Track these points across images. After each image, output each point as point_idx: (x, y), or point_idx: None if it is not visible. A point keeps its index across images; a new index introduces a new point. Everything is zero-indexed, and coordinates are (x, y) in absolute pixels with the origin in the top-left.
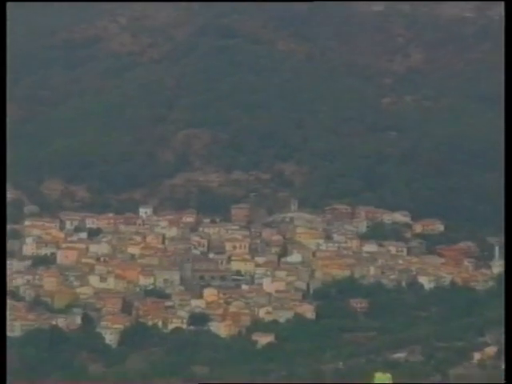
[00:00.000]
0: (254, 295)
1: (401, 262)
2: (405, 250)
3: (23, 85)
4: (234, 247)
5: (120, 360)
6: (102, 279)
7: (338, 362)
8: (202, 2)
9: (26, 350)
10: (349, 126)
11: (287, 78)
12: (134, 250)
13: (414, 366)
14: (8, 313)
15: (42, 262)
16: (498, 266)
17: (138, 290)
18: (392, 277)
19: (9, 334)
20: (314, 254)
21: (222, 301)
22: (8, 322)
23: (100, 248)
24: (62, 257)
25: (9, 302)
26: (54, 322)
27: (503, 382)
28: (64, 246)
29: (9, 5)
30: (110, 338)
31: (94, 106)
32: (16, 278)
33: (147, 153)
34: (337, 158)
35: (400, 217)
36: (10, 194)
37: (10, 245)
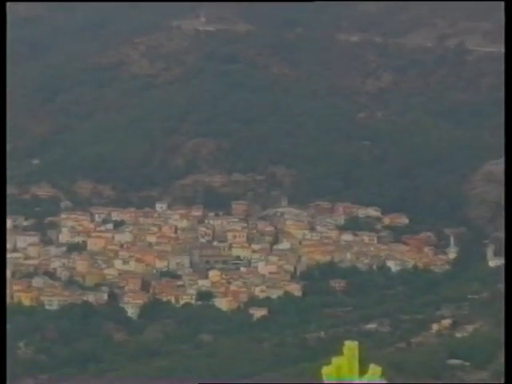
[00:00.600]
0: (251, 276)
1: (372, 249)
2: (375, 239)
3: (59, 101)
4: (234, 236)
5: (140, 330)
6: (125, 262)
7: (320, 331)
8: (208, 28)
9: (61, 321)
10: (330, 136)
11: (279, 96)
12: (151, 238)
13: (383, 335)
14: (47, 290)
15: (75, 248)
16: (452, 253)
17: (154, 271)
18: (365, 261)
19: (47, 307)
20: (300, 243)
21: (223, 281)
22: (46, 298)
23: (123, 237)
24: (91, 244)
25: (47, 281)
26: (85, 298)
27: (503, 381)
28: (93, 235)
29: (49, 32)
30: (132, 312)
31: (118, 119)
32: (54, 261)
33: (162, 158)
34: (320, 163)
35: (372, 211)
36: (48, 192)
37: (49, 234)
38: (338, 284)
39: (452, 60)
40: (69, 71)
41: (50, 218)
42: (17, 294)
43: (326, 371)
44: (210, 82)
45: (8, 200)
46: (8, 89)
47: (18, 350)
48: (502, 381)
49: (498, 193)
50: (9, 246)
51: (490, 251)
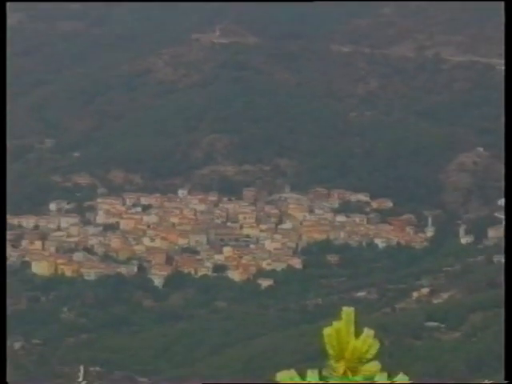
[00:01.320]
0: (259, 252)
1: (362, 228)
2: (365, 220)
3: (96, 103)
4: (245, 218)
5: (164, 297)
6: (152, 240)
7: (318, 299)
8: (222, 41)
9: (98, 290)
10: (326, 132)
11: (282, 99)
12: (174, 219)
13: (371, 301)
14: (86, 263)
15: (110, 228)
16: (430, 232)
17: (176, 248)
18: (356, 239)
19: (86, 278)
20: (301, 223)
21: (235, 256)
22: (85, 270)
23: (150, 218)
24: (123, 224)
25: (86, 255)
26: (118, 270)
27: (503, 381)
28: (125, 216)
29: (88, 45)
30: (157, 282)
31: (146, 118)
32: (91, 239)
33: (183, 152)
34: (318, 155)
35: (362, 197)
36: (86, 180)
37: (87, 216)
38: (332, 258)
39: (430, 68)
40: (104, 78)
41: (88, 203)
42: (60, 266)
43: (327, 332)
44: (224, 86)
45: (53, 187)
46: (54, 93)
47: (62, 314)
48: (473, 339)
49: (469, 180)
50: (53, 226)
51: (461, 230)
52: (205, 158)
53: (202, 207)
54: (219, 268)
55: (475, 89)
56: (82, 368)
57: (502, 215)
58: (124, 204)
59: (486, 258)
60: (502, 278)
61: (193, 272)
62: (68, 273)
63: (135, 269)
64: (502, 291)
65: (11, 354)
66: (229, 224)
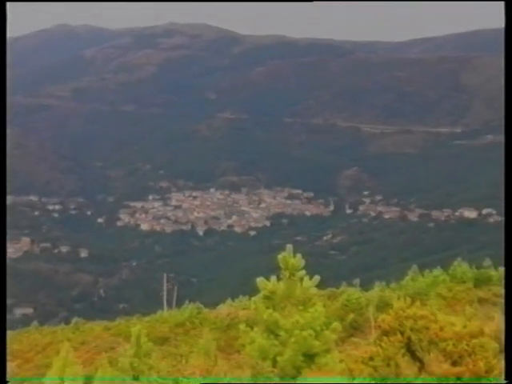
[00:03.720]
0: (249, 218)
1: (299, 207)
2: (300, 202)
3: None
4: (242, 202)
5: (203, 240)
6: (198, 213)
7: (281, 240)
8: None
9: (172, 237)
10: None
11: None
12: (208, 203)
13: (307, 241)
14: (166, 224)
15: (177, 207)
16: (331, 208)
17: (209, 217)
18: (296, 212)
19: (166, 231)
20: (270, 204)
21: (238, 220)
22: (166, 228)
23: (196, 202)
24: (184, 205)
25: (166, 220)
26: (181, 228)
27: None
28: (184, 202)
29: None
30: (201, 232)
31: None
32: (168, 213)
33: (213, 168)
34: (279, 170)
35: (299, 192)
36: (165, 184)
37: (166, 202)
38: (285, 221)
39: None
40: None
41: (166, 195)
42: (154, 226)
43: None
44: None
45: (150, 188)
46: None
47: (155, 247)
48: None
49: (349, 182)
50: (150, 206)
51: (346, 207)
52: (221, 172)
53: (221, 197)
54: (230, 225)
55: None
56: (164, 275)
57: (367, 199)
58: (183, 196)
59: (358, 221)
60: (369, 229)
61: (217, 228)
62: (158, 228)
63: (190, 227)
64: (365, 236)
65: (134, 270)
66: (234, 205)
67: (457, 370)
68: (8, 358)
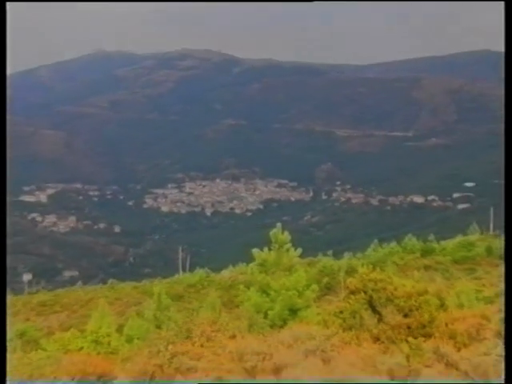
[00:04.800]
0: (246, 202)
1: (284, 194)
2: (286, 190)
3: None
4: (240, 190)
5: (211, 220)
6: (206, 198)
7: (272, 219)
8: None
9: (185, 216)
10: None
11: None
12: (214, 190)
13: (296, 219)
14: (181, 206)
15: (190, 194)
16: (310, 194)
17: (214, 200)
18: (283, 198)
19: (182, 212)
20: (259, 192)
21: (237, 203)
22: (182, 210)
23: (205, 190)
24: (196, 192)
25: (181, 204)
26: (193, 209)
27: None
28: (196, 189)
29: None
30: (209, 213)
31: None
32: (183, 198)
33: (216, 163)
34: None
35: (283, 181)
36: (180, 176)
37: (181, 189)
38: (274, 204)
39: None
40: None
41: (181, 184)
42: (172, 208)
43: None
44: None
45: (169, 178)
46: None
47: (172, 225)
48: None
49: (324, 174)
50: (168, 192)
51: (335, 194)
52: (225, 166)
53: (224, 185)
54: (231, 208)
55: None
56: (180, 247)
57: (338, 188)
58: (195, 184)
59: (332, 205)
60: (340, 211)
61: (221, 210)
62: (175, 210)
63: (200, 208)
64: (337, 217)
65: (156, 242)
66: (235, 192)
67: (407, 320)
68: (58, 309)
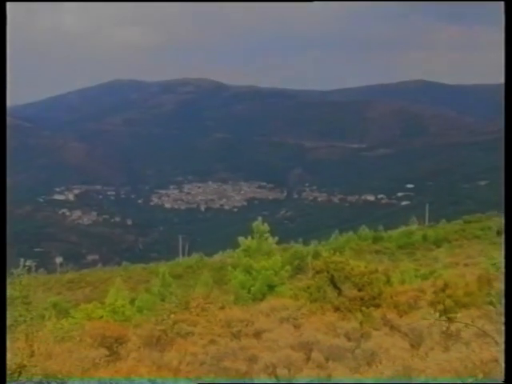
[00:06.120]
0: (233, 199)
1: (263, 194)
2: (265, 191)
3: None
4: (228, 189)
5: (204, 214)
6: (201, 196)
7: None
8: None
9: (184, 212)
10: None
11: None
12: (207, 191)
13: (274, 213)
14: (181, 204)
15: (188, 193)
16: (284, 194)
17: (208, 200)
18: (263, 196)
19: (182, 208)
20: (243, 191)
21: (226, 200)
22: (182, 206)
23: (200, 190)
24: (192, 192)
25: (182, 201)
26: (192, 206)
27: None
28: (192, 189)
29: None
30: (203, 209)
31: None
32: (183, 197)
33: (207, 169)
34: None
35: (261, 183)
36: (180, 179)
37: (182, 190)
38: (258, 195)
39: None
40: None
41: (182, 185)
42: (174, 205)
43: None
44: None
45: (176, 182)
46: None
47: (172, 219)
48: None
49: (297, 174)
50: (171, 192)
51: (294, 193)
52: (215, 171)
53: (215, 187)
54: (221, 205)
55: None
56: (180, 236)
57: (307, 188)
58: (192, 186)
59: (301, 202)
60: (308, 207)
61: (213, 206)
62: (176, 206)
63: (196, 205)
64: (305, 212)
65: (161, 233)
66: (224, 192)
67: (361, 293)
68: (83, 285)
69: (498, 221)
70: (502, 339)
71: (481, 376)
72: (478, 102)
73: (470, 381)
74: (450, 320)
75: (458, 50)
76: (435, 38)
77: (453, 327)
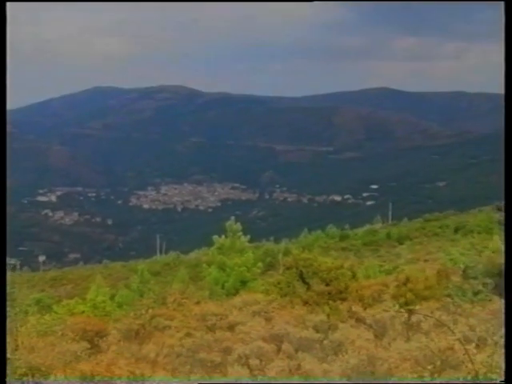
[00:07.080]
0: (209, 200)
1: (247, 197)
2: (252, 193)
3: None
4: (211, 190)
5: (182, 214)
6: (187, 196)
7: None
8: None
9: (170, 212)
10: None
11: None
12: (194, 191)
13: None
14: (177, 199)
15: (170, 192)
16: (256, 194)
17: (190, 200)
18: (248, 197)
19: (145, 206)
20: (221, 191)
21: (210, 195)
22: (178, 204)
23: (182, 190)
24: (173, 193)
25: (173, 198)
26: (168, 206)
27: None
28: (173, 191)
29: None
30: (180, 209)
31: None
32: (174, 197)
33: (191, 172)
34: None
35: (235, 185)
36: (169, 180)
37: (179, 188)
38: (242, 196)
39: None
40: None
41: (171, 185)
42: (162, 205)
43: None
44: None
45: (161, 184)
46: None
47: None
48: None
49: (269, 175)
50: (160, 192)
51: (266, 194)
52: (191, 173)
53: (191, 188)
54: (196, 205)
55: None
56: (157, 235)
57: (278, 189)
58: (168, 187)
59: (273, 203)
60: (279, 207)
61: (189, 207)
62: (153, 207)
63: (172, 206)
64: (276, 212)
65: (139, 232)
66: (199, 193)
67: (328, 288)
68: (65, 282)
69: (455, 219)
70: (457, 329)
71: (438, 363)
72: (437, 108)
73: (469, 380)
74: (410, 312)
75: (415, 60)
76: (394, 48)
77: (414, 318)
